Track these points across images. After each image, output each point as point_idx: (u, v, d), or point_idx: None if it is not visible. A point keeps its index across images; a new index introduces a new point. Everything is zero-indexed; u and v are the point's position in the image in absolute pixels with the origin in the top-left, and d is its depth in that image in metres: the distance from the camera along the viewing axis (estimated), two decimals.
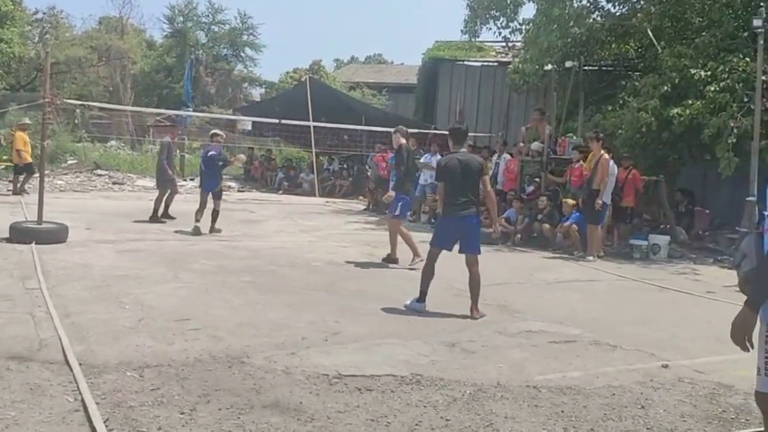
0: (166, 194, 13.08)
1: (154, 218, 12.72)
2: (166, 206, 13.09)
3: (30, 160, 16.32)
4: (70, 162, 22.64)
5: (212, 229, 11.73)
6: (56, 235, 9.48)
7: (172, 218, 12.87)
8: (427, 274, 6.98)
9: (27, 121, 17.91)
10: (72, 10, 65.34)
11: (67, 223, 10.04)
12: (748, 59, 11.76)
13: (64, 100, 18.09)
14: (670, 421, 4.29)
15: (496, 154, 15.36)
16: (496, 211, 7.78)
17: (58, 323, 5.54)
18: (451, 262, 7.15)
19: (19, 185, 16.16)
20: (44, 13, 35.38)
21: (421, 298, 6.92)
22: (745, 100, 11.50)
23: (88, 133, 26.10)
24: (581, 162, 12.38)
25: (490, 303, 7.53)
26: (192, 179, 22.51)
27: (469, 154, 7.41)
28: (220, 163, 12.16)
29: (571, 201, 12.12)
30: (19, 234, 9.27)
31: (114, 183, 20.44)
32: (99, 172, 21.65)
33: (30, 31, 32.83)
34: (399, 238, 9.59)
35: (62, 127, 24.32)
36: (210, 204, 11.76)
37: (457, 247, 7.00)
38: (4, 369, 4.48)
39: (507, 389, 4.68)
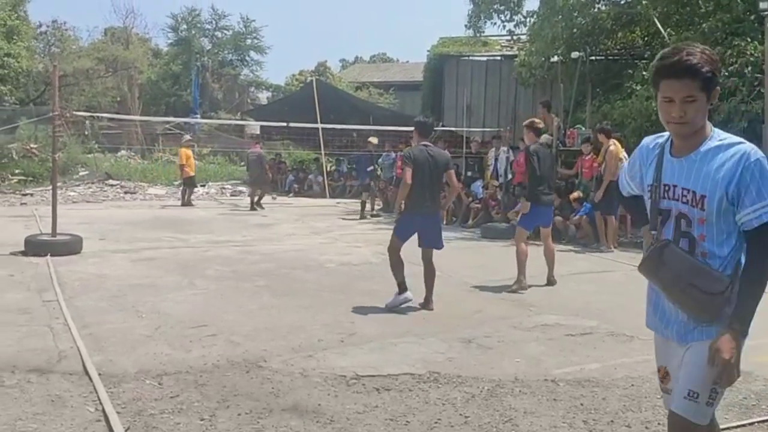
0: (259, 190, 17.30)
1: (253, 208, 16.88)
2: (259, 199, 17.12)
3: (192, 174, 18.14)
4: (81, 173, 22.82)
5: (362, 215, 15.69)
6: (71, 247, 9.53)
7: (262, 208, 16.88)
8: (397, 265, 6.95)
9: (188, 137, 19.82)
10: (77, 23, 65.91)
11: (81, 234, 10.10)
12: (756, 43, 11.67)
13: (74, 113, 18.26)
14: None
15: (494, 149, 15.32)
16: (451, 201, 7.67)
17: (76, 334, 5.57)
18: (465, 259, 7.15)
19: (186, 198, 17.91)
20: (48, 26, 35.60)
21: (402, 288, 6.89)
22: (755, 84, 11.42)
23: (99, 143, 26.28)
24: (591, 154, 12.35)
25: (504, 298, 7.52)
26: (203, 185, 22.63)
27: (437, 149, 7.30)
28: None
29: (575, 195, 12.09)
30: (34, 247, 9.33)
31: (126, 192, 20.57)
32: (110, 182, 21.80)
33: (36, 45, 33.01)
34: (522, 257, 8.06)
35: (73, 138, 24.47)
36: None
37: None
38: (25, 382, 4.52)
39: (525, 384, 4.67)
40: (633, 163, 2.76)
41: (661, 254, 2.49)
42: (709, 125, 2.48)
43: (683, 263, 2.44)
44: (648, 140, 2.71)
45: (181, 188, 18.46)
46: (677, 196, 2.49)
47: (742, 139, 2.44)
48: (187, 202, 17.74)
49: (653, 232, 2.60)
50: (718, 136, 2.46)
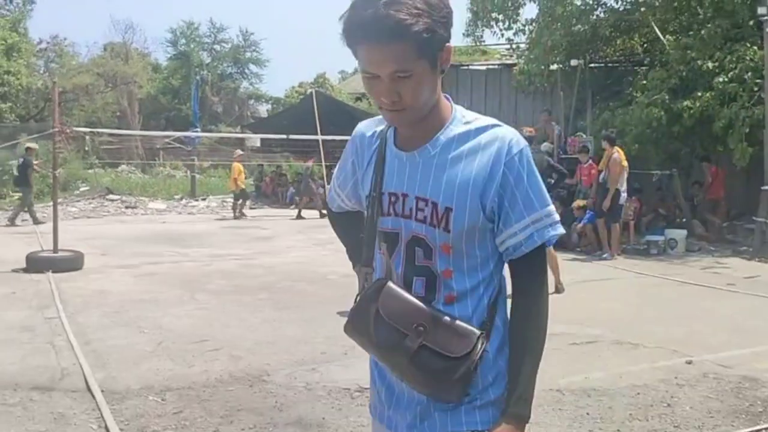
0: (307, 200, 18.95)
1: (299, 217, 18.08)
2: (300, 209, 18.51)
3: (244, 186, 19.04)
4: (82, 189, 22.83)
5: None
6: (72, 263, 9.52)
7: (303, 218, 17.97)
8: None
9: (240, 151, 20.49)
10: (76, 38, 66.22)
11: (83, 249, 10.09)
12: (755, 48, 11.68)
13: (74, 128, 18.27)
14: (697, 418, 4.24)
15: None
16: None
17: (79, 351, 5.55)
18: None
19: (238, 211, 18.53)
20: (48, 43, 35.74)
21: None
22: (755, 89, 11.42)
23: (99, 159, 26.30)
24: (590, 161, 12.38)
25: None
26: (204, 199, 22.63)
27: None
28: None
29: (580, 203, 12.10)
30: (35, 264, 9.31)
31: (127, 207, 20.56)
32: (111, 197, 21.81)
33: (35, 63, 33.15)
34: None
35: (73, 154, 24.51)
36: None
37: None
38: (28, 400, 4.49)
39: None
40: (344, 162, 1.85)
41: (376, 301, 1.61)
42: (447, 101, 1.66)
43: (409, 313, 1.58)
44: (364, 126, 1.80)
45: (233, 202, 18.97)
46: (409, 211, 1.62)
47: (496, 121, 1.63)
48: (239, 215, 18.42)
49: (366, 270, 1.71)
50: (462, 117, 1.64)
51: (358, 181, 1.79)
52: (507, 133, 1.60)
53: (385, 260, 1.69)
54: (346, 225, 2.00)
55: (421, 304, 1.59)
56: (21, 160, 16.34)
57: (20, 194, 16.84)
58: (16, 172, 16.73)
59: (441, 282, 1.62)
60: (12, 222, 15.53)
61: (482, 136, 1.60)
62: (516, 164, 1.57)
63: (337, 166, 1.92)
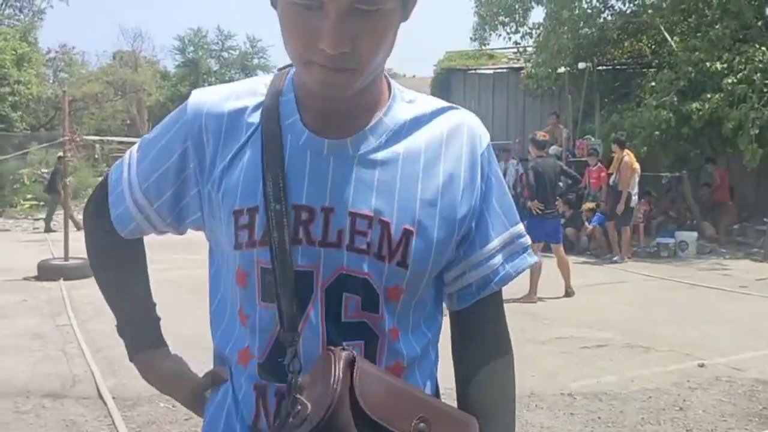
0: None
1: None
2: None
3: None
4: None
5: None
6: (83, 271, 9.51)
7: None
8: None
9: None
10: (85, 47, 66.67)
11: None
12: (764, 48, 11.64)
13: (83, 137, 18.39)
14: (710, 421, 4.22)
15: (502, 162, 15.33)
16: None
17: (90, 358, 5.57)
18: None
19: None
20: (57, 52, 35.96)
21: None
22: (764, 90, 11.38)
23: (109, 167, 26.31)
24: (598, 164, 12.36)
25: (517, 312, 7.46)
26: None
27: None
28: None
29: (589, 205, 12.08)
30: (47, 271, 9.36)
31: None
32: None
33: (45, 72, 33.37)
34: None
35: (83, 162, 24.64)
36: None
37: None
38: (40, 407, 4.51)
39: (541, 398, 4.63)
40: (161, 153, 1.14)
41: (349, 389, 0.91)
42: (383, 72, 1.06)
43: (402, 401, 0.96)
44: (215, 95, 1.10)
45: None
46: (337, 236, 1.01)
47: (443, 102, 1.12)
48: None
49: (291, 336, 1.01)
50: (400, 93, 1.09)
51: (196, 190, 1.11)
52: (471, 119, 1.10)
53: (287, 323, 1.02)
54: (132, 264, 1.30)
55: (406, 384, 1.02)
56: (53, 167, 16.72)
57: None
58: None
59: (385, 346, 1.04)
60: (76, 226, 15.61)
61: (440, 121, 1.08)
62: (490, 164, 1.09)
63: (135, 159, 1.18)
